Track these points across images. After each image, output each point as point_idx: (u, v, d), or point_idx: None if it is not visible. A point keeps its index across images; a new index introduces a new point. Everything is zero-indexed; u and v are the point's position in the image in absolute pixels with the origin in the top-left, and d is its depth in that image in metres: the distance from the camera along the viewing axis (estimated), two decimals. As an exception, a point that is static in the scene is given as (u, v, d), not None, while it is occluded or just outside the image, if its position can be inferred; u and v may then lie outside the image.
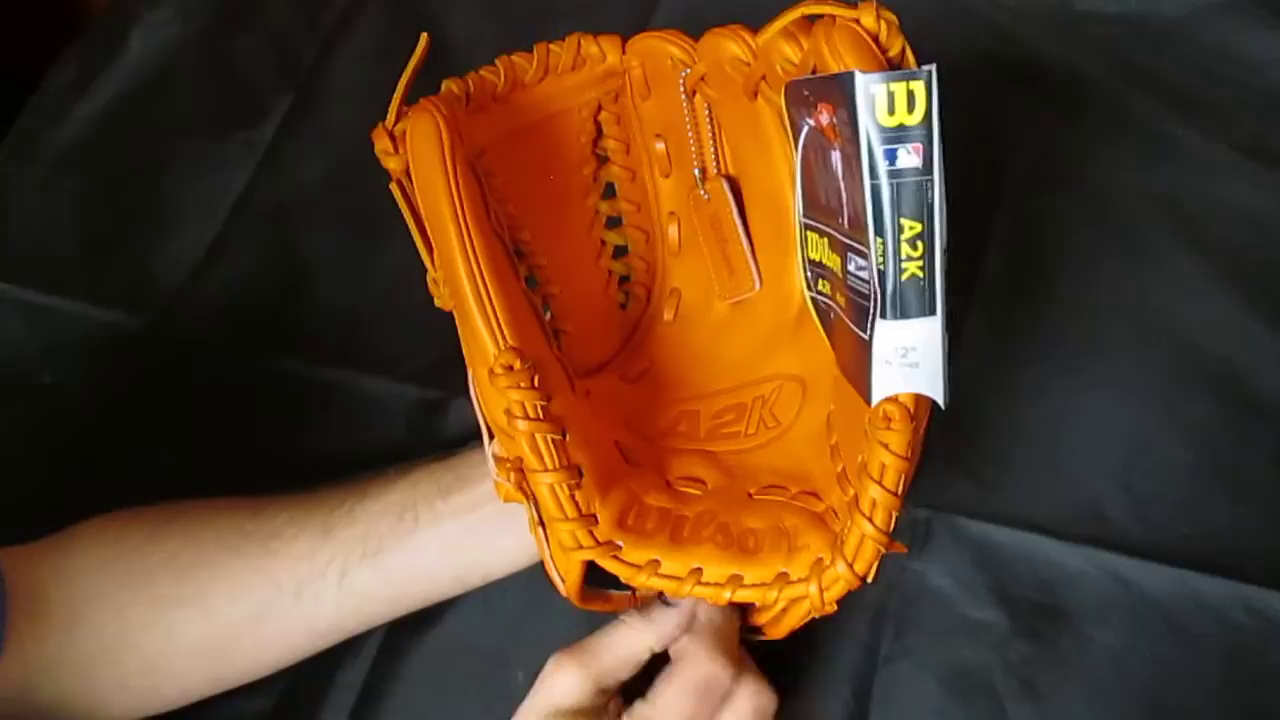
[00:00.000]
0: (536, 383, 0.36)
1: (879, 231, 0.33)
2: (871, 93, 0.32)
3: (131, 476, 0.54)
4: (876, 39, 0.34)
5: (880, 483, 0.35)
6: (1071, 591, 0.48)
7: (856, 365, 0.36)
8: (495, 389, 0.36)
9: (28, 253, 0.61)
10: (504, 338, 0.36)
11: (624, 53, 0.44)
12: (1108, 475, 0.50)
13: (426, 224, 0.38)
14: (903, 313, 0.34)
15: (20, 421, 0.57)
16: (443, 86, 0.40)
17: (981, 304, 0.55)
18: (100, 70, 0.66)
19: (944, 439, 0.51)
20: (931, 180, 0.32)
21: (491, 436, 0.39)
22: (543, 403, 0.36)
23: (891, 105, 0.32)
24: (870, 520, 0.35)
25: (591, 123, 0.46)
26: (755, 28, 0.40)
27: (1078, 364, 0.53)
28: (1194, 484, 0.50)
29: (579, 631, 0.49)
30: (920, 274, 0.33)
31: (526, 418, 0.36)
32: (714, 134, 0.45)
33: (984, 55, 0.62)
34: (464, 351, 0.38)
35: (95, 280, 0.60)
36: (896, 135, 0.32)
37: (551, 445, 0.36)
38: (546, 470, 0.36)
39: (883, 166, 0.32)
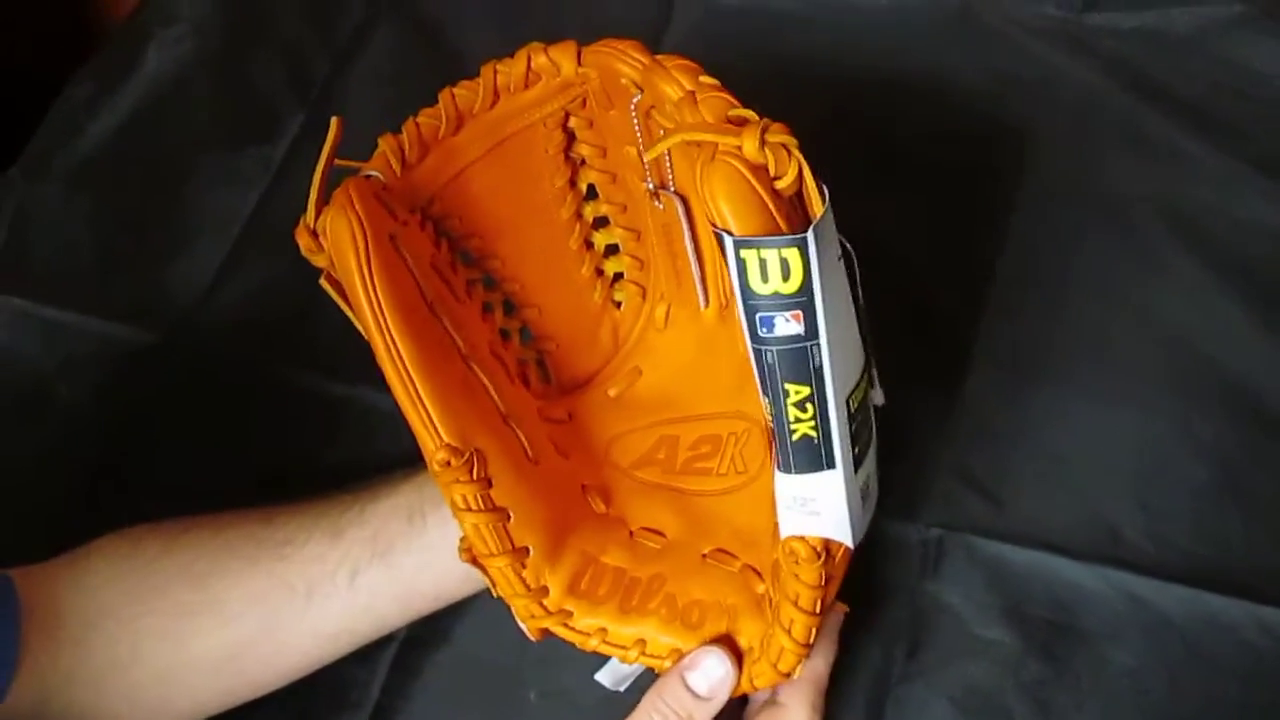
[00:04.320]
0: (476, 474, 0.36)
1: (764, 391, 0.32)
2: (741, 258, 0.29)
3: (146, 491, 0.54)
4: (765, 168, 0.30)
5: (796, 605, 0.36)
6: (1086, 611, 0.48)
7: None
8: (438, 481, 0.37)
9: (43, 268, 0.61)
10: (438, 435, 0.36)
11: (580, 63, 0.42)
12: (1122, 494, 0.50)
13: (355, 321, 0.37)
14: (796, 469, 0.33)
15: (35, 436, 0.57)
16: (379, 145, 0.39)
17: (994, 320, 0.55)
18: (115, 87, 0.66)
19: (956, 457, 0.52)
20: (818, 344, 0.30)
21: None
22: (483, 493, 0.37)
23: (764, 272, 0.29)
24: (789, 633, 0.36)
25: (559, 132, 0.43)
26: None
27: (1092, 381, 0.53)
28: (1209, 503, 0.49)
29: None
30: (813, 434, 0.32)
31: (469, 509, 0.36)
32: (668, 155, 0.43)
33: (997, 70, 0.62)
34: None
35: (110, 295, 0.60)
36: (771, 303, 0.30)
37: (494, 532, 0.37)
38: (493, 555, 0.37)
39: (760, 332, 0.30)
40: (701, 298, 0.45)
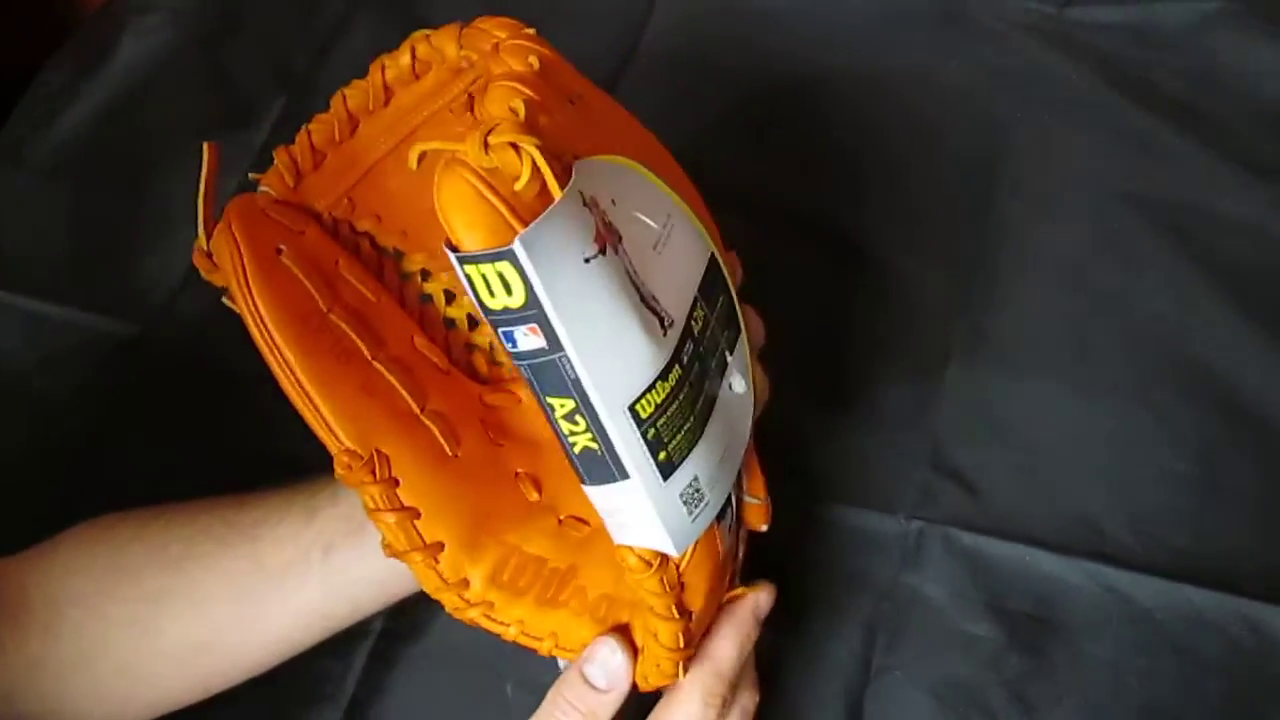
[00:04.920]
0: (380, 474, 0.37)
1: (539, 403, 0.31)
2: (468, 274, 0.28)
3: (123, 483, 0.54)
4: (497, 173, 0.28)
5: (654, 613, 0.36)
6: (1066, 605, 0.48)
7: None
8: (345, 484, 0.37)
9: (18, 259, 0.61)
10: (337, 439, 0.36)
11: (462, 47, 0.40)
12: (1102, 487, 0.50)
13: None
14: (589, 481, 0.33)
15: (10, 428, 0.56)
16: (276, 159, 0.40)
17: (974, 314, 0.55)
18: (91, 75, 0.66)
19: (936, 450, 0.51)
20: (566, 356, 0.29)
21: None
22: (389, 492, 0.37)
23: (489, 287, 0.28)
24: (656, 638, 0.36)
25: (469, 115, 0.42)
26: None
27: (1072, 374, 0.53)
28: (1189, 496, 0.49)
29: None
30: (594, 445, 0.31)
31: (378, 509, 0.37)
32: None
33: (980, 64, 0.62)
34: None
35: (86, 286, 0.60)
36: (507, 318, 0.28)
37: (404, 529, 0.37)
38: (407, 550, 0.37)
39: (508, 347, 0.29)
40: None
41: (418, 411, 0.38)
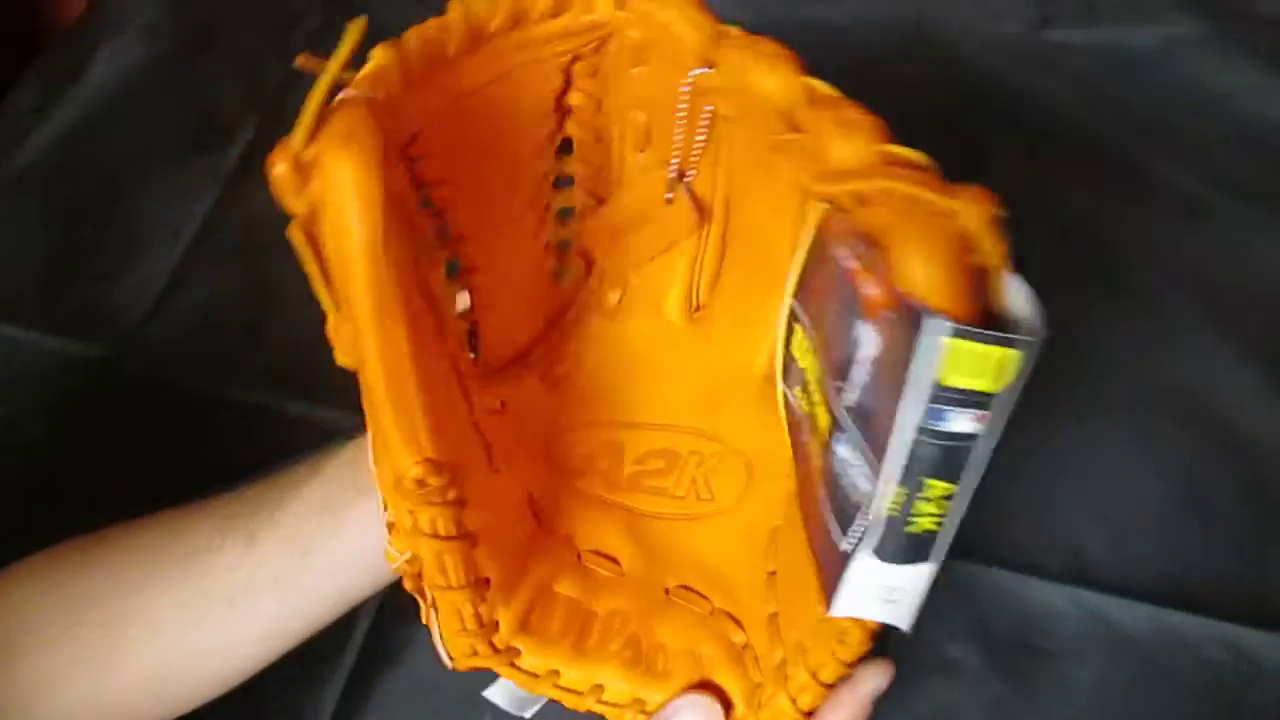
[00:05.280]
0: (453, 494, 0.30)
1: (902, 481, 0.27)
2: (939, 345, 0.24)
3: (89, 510, 0.52)
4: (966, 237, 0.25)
5: (815, 676, 0.32)
6: (1049, 629, 0.47)
7: (824, 552, 0.31)
8: (399, 495, 0.29)
9: (-16, 280, 0.60)
10: (420, 447, 0.28)
11: (621, 8, 0.34)
12: (1085, 511, 0.50)
13: (338, 283, 0.28)
14: (893, 559, 0.29)
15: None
16: (372, 57, 0.30)
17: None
18: (61, 93, 0.65)
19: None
20: (988, 445, 0.26)
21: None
22: (456, 516, 0.30)
23: (968, 366, 0.25)
24: (794, 701, 0.33)
25: (561, 74, 0.36)
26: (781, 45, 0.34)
27: (1053, 399, 0.53)
28: (1171, 520, 0.49)
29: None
30: (935, 528, 0.28)
31: (435, 535, 0.30)
32: (708, 141, 0.36)
33: (955, 86, 0.63)
34: (368, 421, 0.29)
35: (54, 309, 0.59)
36: (958, 398, 0.25)
37: (459, 561, 0.31)
38: (451, 588, 0.31)
39: (929, 424, 0.26)
40: (680, 300, 0.40)
41: (472, 417, 0.33)
